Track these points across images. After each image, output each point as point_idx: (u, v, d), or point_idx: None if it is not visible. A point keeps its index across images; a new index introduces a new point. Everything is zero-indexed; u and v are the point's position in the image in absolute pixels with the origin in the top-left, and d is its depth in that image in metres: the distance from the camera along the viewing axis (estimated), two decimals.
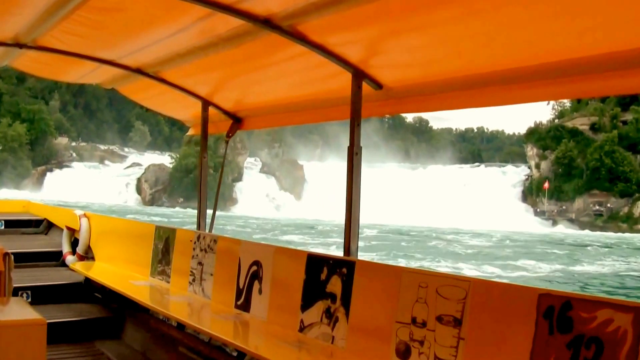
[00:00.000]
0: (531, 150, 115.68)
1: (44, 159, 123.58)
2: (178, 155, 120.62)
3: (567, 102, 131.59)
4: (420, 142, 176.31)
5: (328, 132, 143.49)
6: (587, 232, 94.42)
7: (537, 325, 2.99)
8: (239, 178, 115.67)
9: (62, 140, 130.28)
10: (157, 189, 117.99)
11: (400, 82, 4.49)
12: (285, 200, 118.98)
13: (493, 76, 3.81)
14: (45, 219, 10.33)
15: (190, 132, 7.37)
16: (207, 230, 6.51)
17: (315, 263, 4.52)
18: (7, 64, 6.63)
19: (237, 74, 5.76)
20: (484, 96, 3.98)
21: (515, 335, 3.10)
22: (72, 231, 8.82)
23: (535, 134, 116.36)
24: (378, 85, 4.55)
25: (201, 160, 6.70)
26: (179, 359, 5.81)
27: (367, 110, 4.59)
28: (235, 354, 5.18)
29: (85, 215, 8.56)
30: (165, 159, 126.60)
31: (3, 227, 10.14)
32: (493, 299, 3.31)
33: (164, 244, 6.65)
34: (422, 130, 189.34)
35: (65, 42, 5.41)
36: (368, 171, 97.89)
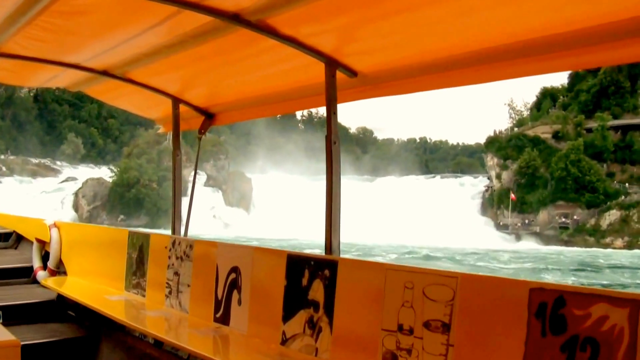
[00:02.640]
0: (491, 160, 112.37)
1: None
2: (118, 169, 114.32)
3: (525, 111, 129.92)
4: (365, 153, 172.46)
5: (267, 144, 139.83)
6: (556, 247, 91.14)
7: (529, 326, 2.93)
8: (183, 192, 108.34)
9: None
10: (95, 205, 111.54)
11: (375, 67, 4.47)
12: (233, 216, 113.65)
13: (468, 56, 3.80)
14: (14, 231, 9.67)
15: (162, 130, 7.27)
16: (182, 234, 6.39)
17: (296, 264, 4.43)
18: None
19: (207, 70, 5.63)
20: (460, 76, 3.98)
21: (506, 339, 3.03)
22: (43, 243, 8.56)
23: (495, 143, 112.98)
24: (352, 72, 4.56)
25: (174, 158, 6.74)
26: None
27: (343, 97, 4.58)
28: None
29: (55, 224, 8.41)
30: (102, 173, 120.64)
31: None
32: (482, 297, 3.23)
33: (138, 252, 6.59)
34: (367, 141, 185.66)
35: (29, 47, 5.37)
36: (316, 185, 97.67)
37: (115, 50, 5.26)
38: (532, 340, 2.89)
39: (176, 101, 6.43)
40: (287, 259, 4.53)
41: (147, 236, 6.57)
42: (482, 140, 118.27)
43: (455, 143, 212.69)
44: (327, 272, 4.15)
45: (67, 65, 5.88)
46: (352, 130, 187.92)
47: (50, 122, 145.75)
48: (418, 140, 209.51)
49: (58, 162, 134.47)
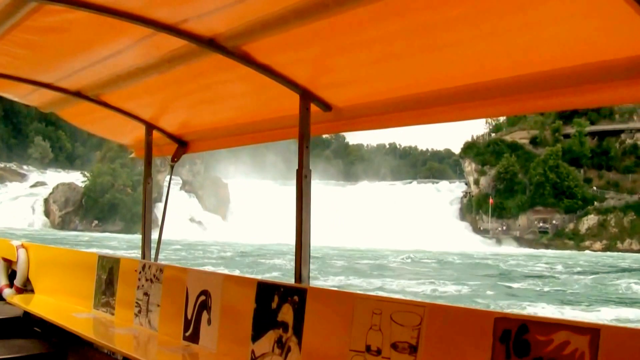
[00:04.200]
0: (469, 166, 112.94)
1: None
2: (91, 173, 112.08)
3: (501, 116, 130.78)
4: (337, 158, 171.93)
5: (242, 149, 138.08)
6: (543, 250, 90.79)
7: (493, 350, 3.00)
8: (158, 198, 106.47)
9: None
10: (67, 210, 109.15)
11: (349, 101, 4.46)
12: (210, 222, 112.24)
13: (443, 93, 3.77)
14: None
15: (133, 155, 7.15)
16: (152, 260, 6.34)
17: (266, 291, 4.48)
18: None
19: (181, 96, 5.58)
20: (435, 114, 3.97)
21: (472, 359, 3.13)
22: (9, 262, 8.32)
23: (473, 149, 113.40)
24: (327, 106, 4.54)
25: (145, 186, 6.59)
26: None
27: (316, 130, 4.62)
28: None
29: (22, 245, 8.28)
30: (72, 177, 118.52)
31: None
32: (448, 323, 3.31)
33: (108, 274, 6.53)
34: (339, 147, 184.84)
35: (1, 63, 5.28)
36: (285, 189, 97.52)
37: (89, 70, 5.18)
38: None
39: (149, 127, 6.38)
40: (257, 287, 4.57)
41: (117, 260, 6.54)
42: (451, 146, 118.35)
43: (424, 149, 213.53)
44: (296, 297, 4.21)
45: (40, 84, 5.78)
46: (325, 135, 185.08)
47: (15, 124, 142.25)
48: (387, 146, 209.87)
49: (25, 167, 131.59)
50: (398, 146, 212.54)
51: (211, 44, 4.10)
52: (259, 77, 4.33)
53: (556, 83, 3.23)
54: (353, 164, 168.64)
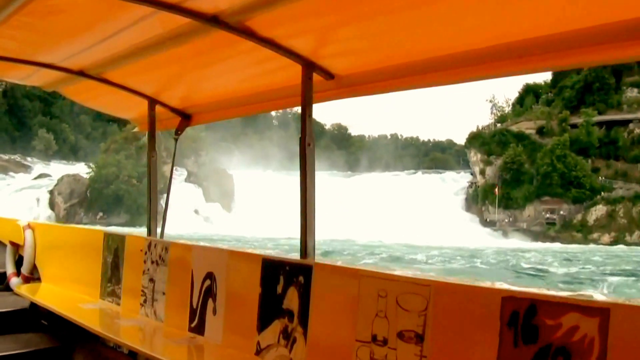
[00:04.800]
0: (475, 156, 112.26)
1: None
2: (96, 165, 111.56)
3: (506, 107, 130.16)
4: (340, 149, 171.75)
5: (242, 140, 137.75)
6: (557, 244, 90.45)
7: (501, 336, 2.99)
8: (163, 190, 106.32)
9: None
10: (72, 202, 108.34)
11: (351, 69, 4.51)
12: (214, 213, 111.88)
13: (446, 59, 3.82)
14: None
15: (137, 129, 7.21)
16: (158, 236, 6.33)
17: (271, 269, 4.51)
18: None
19: (184, 72, 5.62)
20: (437, 77, 4.00)
21: (479, 349, 3.10)
22: (16, 247, 8.40)
23: (479, 139, 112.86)
24: (329, 75, 4.59)
25: (149, 159, 6.66)
26: None
27: (318, 98, 4.62)
28: None
29: (29, 225, 8.21)
30: (76, 169, 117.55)
31: None
32: (455, 306, 3.29)
33: (114, 257, 6.59)
34: (342, 138, 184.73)
35: (3, 46, 5.33)
36: (290, 179, 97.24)
37: (91, 50, 5.23)
38: (505, 350, 2.95)
39: (152, 102, 6.42)
40: (262, 263, 4.59)
41: (122, 237, 6.61)
42: (453, 137, 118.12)
43: (426, 139, 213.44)
44: (301, 278, 4.20)
45: (42, 65, 5.85)
46: (328, 126, 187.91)
47: (20, 117, 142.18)
48: (389, 137, 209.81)
49: (29, 158, 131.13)
50: (400, 137, 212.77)
51: (214, 20, 4.13)
52: (262, 51, 4.36)
53: (570, 43, 3.19)
54: (355, 155, 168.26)
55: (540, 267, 49.37)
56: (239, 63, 5.01)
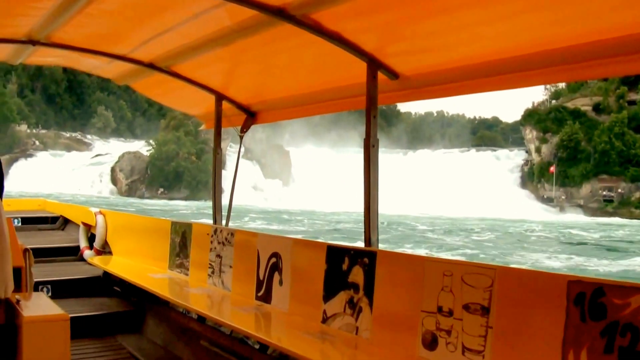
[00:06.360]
0: (530, 134, 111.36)
1: (6, 147, 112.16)
2: (156, 142, 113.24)
3: (561, 83, 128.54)
4: (390, 126, 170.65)
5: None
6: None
7: (567, 312, 2.95)
8: (222, 166, 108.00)
9: (22, 128, 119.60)
10: (133, 178, 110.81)
11: (416, 70, 4.43)
12: (272, 190, 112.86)
13: (512, 62, 3.77)
14: (61, 215, 10.73)
15: (203, 127, 7.44)
16: (223, 225, 6.52)
17: (336, 253, 4.54)
18: (22, 61, 6.61)
19: (250, 65, 5.73)
20: (502, 82, 3.93)
21: (545, 323, 3.07)
22: (89, 227, 9.19)
23: (534, 116, 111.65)
24: (394, 74, 4.51)
25: (215, 156, 6.90)
26: (201, 353, 5.87)
27: (383, 99, 4.57)
28: (257, 346, 5.13)
29: (101, 212, 8.93)
30: (134, 146, 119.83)
31: (20, 224, 10.29)
32: (520, 286, 3.27)
33: (181, 238, 6.84)
34: (391, 115, 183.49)
35: (76, 38, 5.47)
36: (356, 157, 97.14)
37: (160, 39, 5.32)
38: (571, 324, 2.92)
39: (219, 97, 6.55)
40: (327, 250, 4.67)
41: (189, 225, 6.86)
42: (499, 114, 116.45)
43: (472, 117, 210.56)
44: (366, 259, 4.28)
45: (113, 57, 6.01)
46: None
47: (79, 94, 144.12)
48: (435, 114, 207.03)
49: (88, 136, 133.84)
50: (446, 114, 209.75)
51: (280, 13, 4.14)
52: (326, 45, 4.36)
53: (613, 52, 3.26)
54: (406, 132, 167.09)
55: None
56: (304, 56, 5.04)
